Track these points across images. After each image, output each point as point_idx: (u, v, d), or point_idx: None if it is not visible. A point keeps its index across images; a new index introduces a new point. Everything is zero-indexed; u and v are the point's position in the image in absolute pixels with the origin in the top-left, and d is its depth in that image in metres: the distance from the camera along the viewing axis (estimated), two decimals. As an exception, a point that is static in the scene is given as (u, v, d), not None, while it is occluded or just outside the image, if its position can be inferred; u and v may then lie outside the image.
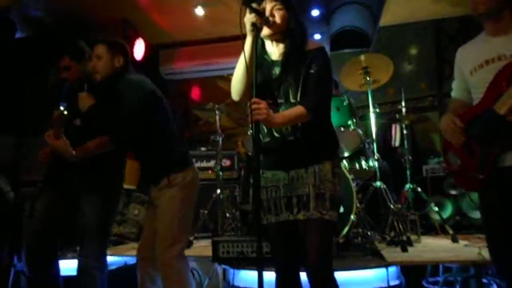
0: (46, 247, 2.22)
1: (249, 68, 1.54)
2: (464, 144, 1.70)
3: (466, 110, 1.75)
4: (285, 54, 1.66)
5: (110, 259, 3.13)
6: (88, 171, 2.21)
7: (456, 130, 1.70)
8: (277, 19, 1.61)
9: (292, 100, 1.61)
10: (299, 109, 1.55)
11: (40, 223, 2.24)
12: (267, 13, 1.61)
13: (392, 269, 2.57)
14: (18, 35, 4.37)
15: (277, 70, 1.66)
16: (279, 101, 1.63)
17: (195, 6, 4.42)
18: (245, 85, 1.60)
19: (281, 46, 1.68)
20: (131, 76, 2.21)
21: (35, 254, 2.22)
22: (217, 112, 3.75)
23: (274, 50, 1.69)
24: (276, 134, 1.64)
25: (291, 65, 1.63)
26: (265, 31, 1.62)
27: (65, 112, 2.03)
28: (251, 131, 1.76)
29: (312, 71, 1.58)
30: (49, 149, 2.20)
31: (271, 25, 1.59)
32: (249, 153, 3.62)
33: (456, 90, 1.90)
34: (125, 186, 4.67)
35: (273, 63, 1.69)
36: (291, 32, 1.63)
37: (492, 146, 1.61)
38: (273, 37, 1.66)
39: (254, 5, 1.54)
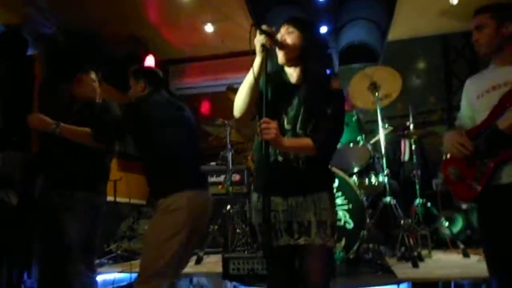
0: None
1: (254, 88, 1.57)
2: (465, 158, 1.77)
3: (470, 130, 1.81)
4: (301, 78, 1.67)
5: (119, 275, 3.16)
6: (67, 188, 2.26)
7: (465, 145, 1.74)
8: (288, 41, 1.62)
9: (298, 131, 1.62)
10: (308, 142, 1.57)
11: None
12: (280, 37, 1.63)
13: (403, 286, 2.55)
14: (30, 51, 4.46)
15: (291, 94, 1.68)
16: (286, 127, 1.64)
17: (205, 23, 4.50)
18: (248, 104, 1.61)
19: (298, 69, 1.69)
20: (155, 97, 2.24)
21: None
22: (227, 127, 3.78)
23: (292, 73, 1.71)
24: (279, 157, 1.64)
25: (308, 92, 1.62)
26: (281, 58, 1.65)
27: None
28: (253, 148, 1.77)
29: (329, 111, 1.60)
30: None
31: (281, 47, 1.61)
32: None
33: (460, 118, 2.00)
34: (135, 201, 4.74)
35: (290, 86, 1.70)
36: (305, 54, 1.63)
37: (491, 159, 1.67)
38: (290, 63, 1.67)
39: (264, 27, 1.55)
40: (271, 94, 1.66)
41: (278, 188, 1.62)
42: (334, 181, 1.84)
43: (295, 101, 1.66)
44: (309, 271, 1.58)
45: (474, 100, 1.84)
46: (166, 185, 2.05)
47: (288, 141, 1.57)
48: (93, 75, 2.54)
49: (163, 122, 2.10)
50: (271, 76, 1.70)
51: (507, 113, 1.65)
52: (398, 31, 4.63)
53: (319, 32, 1.81)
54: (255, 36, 1.57)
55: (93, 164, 2.36)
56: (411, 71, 5.31)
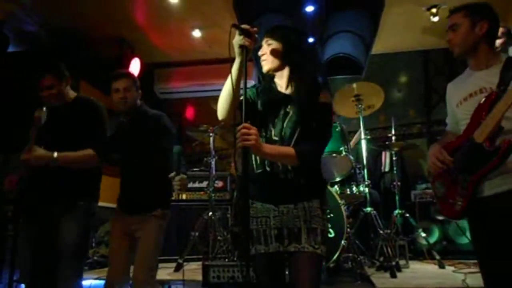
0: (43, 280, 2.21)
1: (234, 91, 1.55)
2: (449, 173, 1.77)
3: (451, 141, 1.82)
4: (288, 87, 1.67)
5: (96, 282, 3.09)
6: (63, 194, 2.20)
7: (443, 161, 1.76)
8: (265, 52, 1.65)
9: (286, 143, 1.62)
10: (290, 151, 1.55)
11: (30, 263, 2.24)
12: (261, 51, 1.67)
13: (382, 296, 2.59)
14: (11, 49, 4.35)
15: (279, 105, 1.67)
16: (274, 138, 1.63)
17: (193, 28, 4.50)
18: (229, 106, 1.59)
19: (284, 78, 1.68)
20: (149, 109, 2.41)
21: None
22: (211, 133, 3.77)
23: (281, 83, 1.70)
24: (267, 168, 1.64)
25: (295, 103, 1.62)
26: (264, 67, 1.67)
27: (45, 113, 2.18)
28: (236, 158, 1.70)
29: (314, 125, 1.60)
30: (14, 177, 2.25)
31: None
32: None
33: (448, 124, 2.01)
34: (113, 205, 4.64)
35: (279, 96, 1.69)
36: (288, 62, 1.64)
37: (472, 173, 1.67)
38: (275, 71, 1.68)
39: (244, 26, 1.55)
40: (262, 104, 1.67)
41: (269, 196, 1.65)
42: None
43: (282, 112, 1.65)
44: (299, 278, 1.56)
45: (455, 109, 1.86)
46: (169, 196, 2.36)
47: (268, 148, 1.55)
48: (51, 80, 2.31)
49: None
50: (263, 85, 1.73)
51: (482, 126, 1.64)
52: (381, 45, 4.75)
53: (303, 38, 1.75)
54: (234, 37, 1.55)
55: (91, 171, 2.31)
56: (393, 84, 5.44)
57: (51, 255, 2.17)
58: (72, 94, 2.41)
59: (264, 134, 1.66)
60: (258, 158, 1.65)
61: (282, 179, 1.62)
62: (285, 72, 1.67)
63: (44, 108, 2.23)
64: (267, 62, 1.66)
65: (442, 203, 1.85)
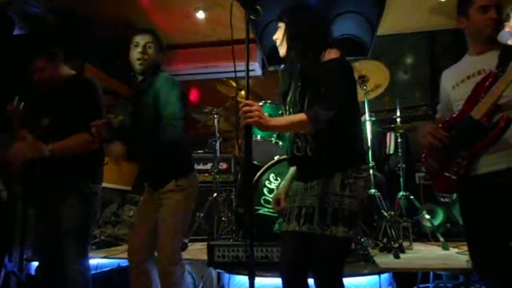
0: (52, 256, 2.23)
1: None
2: (442, 149, 1.79)
3: (445, 120, 1.84)
4: (300, 64, 1.63)
5: (103, 261, 3.15)
6: (64, 174, 2.19)
7: (439, 137, 1.77)
8: (279, 39, 1.66)
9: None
10: (300, 117, 1.48)
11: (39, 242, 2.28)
12: (274, 35, 1.68)
13: (385, 276, 2.61)
14: (16, 32, 4.34)
15: (293, 80, 1.65)
16: (289, 111, 1.64)
17: (196, 10, 4.45)
18: None
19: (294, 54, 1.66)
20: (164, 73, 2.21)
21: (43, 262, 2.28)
22: (215, 115, 3.77)
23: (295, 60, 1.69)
24: (294, 150, 1.66)
25: (302, 77, 1.60)
26: (280, 51, 1.69)
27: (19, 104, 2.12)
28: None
29: (322, 89, 1.51)
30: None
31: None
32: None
33: (440, 110, 2.03)
34: (120, 187, 4.71)
35: (295, 73, 1.66)
36: (292, 43, 1.63)
37: (467, 149, 1.70)
38: (288, 53, 1.67)
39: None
40: (281, 86, 1.71)
41: (299, 175, 1.70)
42: (355, 158, 1.60)
43: (293, 86, 1.64)
44: (314, 258, 1.57)
45: (450, 91, 1.88)
46: (180, 167, 2.15)
47: (275, 120, 1.51)
48: (43, 63, 2.26)
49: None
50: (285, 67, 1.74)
51: (480, 103, 1.67)
52: (387, 26, 4.67)
53: (308, 12, 1.68)
54: (239, 11, 1.52)
55: (93, 151, 2.31)
56: (398, 66, 5.37)
57: (55, 235, 2.18)
58: (67, 72, 2.35)
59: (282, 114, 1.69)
60: (287, 140, 1.69)
61: (302, 157, 1.60)
62: (292, 47, 1.65)
63: (16, 98, 2.20)
64: (281, 47, 1.67)
65: (435, 178, 1.88)
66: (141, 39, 2.12)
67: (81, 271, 2.19)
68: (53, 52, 2.31)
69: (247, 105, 1.42)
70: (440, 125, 1.82)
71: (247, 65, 1.51)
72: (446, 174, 1.77)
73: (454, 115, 1.82)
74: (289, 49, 1.66)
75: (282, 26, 1.67)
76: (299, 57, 1.61)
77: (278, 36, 1.69)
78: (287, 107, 1.67)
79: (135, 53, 2.12)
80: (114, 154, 2.11)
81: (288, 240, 1.66)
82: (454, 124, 1.78)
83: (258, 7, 1.54)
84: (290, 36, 1.64)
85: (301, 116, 1.48)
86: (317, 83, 1.53)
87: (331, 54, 1.54)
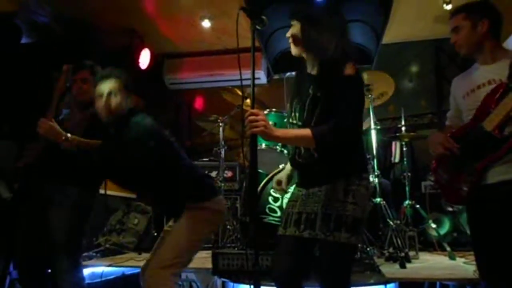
0: (35, 261, 2.23)
1: None
2: (452, 160, 1.78)
3: (456, 129, 1.84)
4: (317, 70, 1.62)
5: (108, 269, 3.15)
6: (60, 182, 2.21)
7: (449, 147, 1.75)
8: (293, 35, 1.62)
9: (306, 126, 1.56)
10: (305, 133, 1.48)
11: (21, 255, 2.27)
12: (287, 33, 1.65)
13: (391, 286, 2.59)
14: (24, 40, 4.40)
15: (306, 87, 1.62)
16: (298, 123, 1.61)
17: (202, 19, 4.49)
18: None
19: (310, 58, 1.64)
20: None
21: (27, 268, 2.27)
22: (220, 123, 3.78)
23: (308, 63, 1.67)
24: (296, 155, 1.66)
25: (316, 86, 1.57)
26: (293, 50, 1.65)
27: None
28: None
29: (334, 102, 1.49)
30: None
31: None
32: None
33: (449, 119, 2.02)
34: (125, 194, 4.72)
35: (308, 77, 1.66)
36: (308, 44, 1.59)
37: (478, 161, 1.68)
38: (299, 54, 1.66)
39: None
40: (293, 91, 1.70)
41: (300, 181, 1.70)
42: (357, 165, 1.60)
43: (305, 94, 1.61)
44: (319, 265, 1.56)
45: (460, 100, 1.87)
46: (198, 194, 2.04)
47: (281, 131, 1.51)
48: (87, 75, 2.34)
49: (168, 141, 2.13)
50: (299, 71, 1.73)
51: (492, 114, 1.66)
52: (392, 34, 4.68)
53: (323, 12, 1.63)
54: (245, 20, 1.53)
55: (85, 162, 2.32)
56: (403, 74, 5.37)
57: (43, 246, 2.19)
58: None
59: (290, 120, 1.66)
60: (290, 147, 1.70)
61: (305, 164, 1.60)
62: (310, 53, 1.63)
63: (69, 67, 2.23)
64: (293, 46, 1.64)
65: (445, 190, 1.87)
66: (103, 88, 1.98)
67: (75, 282, 2.18)
68: (94, 68, 2.36)
69: (252, 114, 1.43)
70: (449, 135, 1.81)
71: (253, 75, 1.53)
72: (457, 185, 1.76)
73: (464, 125, 1.81)
74: (304, 51, 1.63)
75: (296, 24, 1.62)
76: (317, 64, 1.60)
77: (293, 33, 1.63)
78: (294, 112, 1.65)
79: (98, 105, 1.99)
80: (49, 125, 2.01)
81: (284, 245, 1.64)
82: (464, 134, 1.77)
83: (263, 17, 1.54)
84: (307, 39, 1.58)
85: (307, 132, 1.47)
86: (331, 97, 1.50)
87: (349, 69, 1.51)
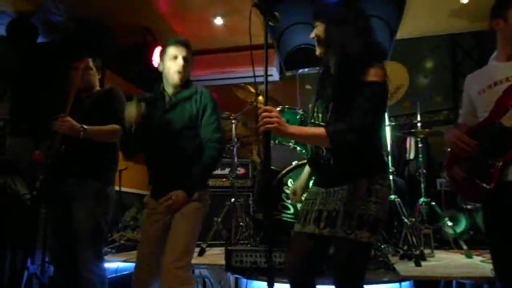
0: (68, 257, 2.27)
1: None
2: (469, 157, 1.76)
3: (473, 126, 1.81)
4: (337, 71, 1.59)
5: (123, 264, 3.19)
6: (79, 176, 2.25)
7: (467, 143, 1.73)
8: (317, 35, 1.60)
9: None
10: (320, 132, 1.47)
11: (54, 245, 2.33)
12: (311, 34, 1.64)
13: (405, 284, 2.56)
14: (40, 39, 4.47)
15: (326, 87, 1.63)
16: (322, 123, 1.59)
17: (214, 16, 4.49)
18: None
19: (333, 60, 1.62)
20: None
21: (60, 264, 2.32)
22: (233, 120, 3.78)
23: (332, 64, 1.65)
24: (314, 154, 1.65)
25: (338, 88, 1.54)
26: (318, 50, 1.64)
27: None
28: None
29: (353, 105, 1.46)
30: (41, 153, 2.31)
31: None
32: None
33: (462, 116, 1.98)
34: (139, 191, 4.77)
35: (330, 78, 1.64)
36: (333, 44, 1.57)
37: (498, 157, 1.65)
38: (323, 55, 1.64)
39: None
40: (316, 91, 1.69)
41: (319, 180, 1.67)
42: (379, 165, 1.59)
43: (324, 96, 1.62)
44: (335, 263, 1.55)
45: (476, 96, 1.83)
46: (207, 177, 2.18)
47: (294, 128, 1.51)
48: (90, 63, 2.43)
49: None
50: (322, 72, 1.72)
51: (510, 111, 1.64)
52: (407, 29, 4.61)
53: (352, 18, 1.56)
54: (256, 17, 1.52)
55: (106, 154, 2.37)
56: (418, 70, 5.30)
57: (69, 237, 2.23)
58: (97, 88, 2.51)
59: (312, 121, 1.65)
60: (308, 146, 1.69)
61: (325, 165, 1.58)
62: (333, 55, 1.61)
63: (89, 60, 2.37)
64: (318, 47, 1.63)
65: (463, 187, 1.84)
66: (179, 52, 2.10)
67: (98, 273, 2.22)
68: (96, 59, 2.46)
69: (266, 111, 1.43)
70: (465, 131, 1.78)
71: (266, 71, 1.52)
72: (477, 181, 1.73)
73: (481, 122, 1.78)
74: (328, 53, 1.61)
75: (320, 25, 1.60)
76: (342, 66, 1.55)
77: (317, 34, 1.61)
78: (316, 110, 1.65)
79: (174, 66, 2.09)
80: (129, 118, 2.04)
81: (301, 242, 1.63)
82: (482, 131, 1.74)
83: (276, 13, 1.54)
84: (331, 41, 1.57)
85: (321, 130, 1.47)
86: (354, 100, 1.47)
87: (374, 74, 1.48)
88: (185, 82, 2.14)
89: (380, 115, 1.57)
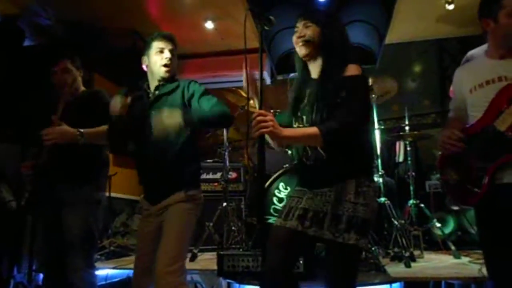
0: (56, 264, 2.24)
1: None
2: (462, 160, 1.75)
3: (465, 128, 1.79)
4: (321, 72, 1.62)
5: (113, 271, 3.15)
6: (69, 182, 2.21)
7: (456, 139, 1.73)
8: (307, 36, 1.60)
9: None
10: (313, 131, 1.47)
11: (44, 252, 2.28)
12: (298, 33, 1.63)
13: (396, 285, 2.59)
14: (27, 43, 4.41)
15: (311, 90, 1.63)
16: (306, 125, 1.59)
17: (205, 20, 4.50)
18: None
19: (318, 64, 1.64)
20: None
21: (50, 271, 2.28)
22: (224, 125, 3.78)
23: (313, 68, 1.66)
24: (303, 158, 1.63)
25: (319, 85, 1.57)
26: (301, 51, 1.63)
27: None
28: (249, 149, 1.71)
29: (339, 100, 1.50)
30: (30, 163, 2.27)
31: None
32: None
33: (453, 110, 1.96)
34: (129, 197, 4.72)
35: (310, 82, 1.65)
36: (325, 47, 1.59)
37: (490, 161, 1.64)
38: (310, 56, 1.64)
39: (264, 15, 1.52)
40: (295, 94, 1.67)
41: (305, 183, 1.65)
42: (367, 166, 1.63)
43: (311, 97, 1.61)
44: (327, 265, 1.54)
45: (467, 94, 1.81)
46: (196, 175, 2.07)
47: (288, 131, 1.51)
48: (68, 65, 2.35)
49: None
50: (298, 74, 1.70)
51: (504, 114, 1.62)
52: (395, 34, 4.70)
53: (339, 24, 1.67)
54: (250, 22, 1.52)
55: (97, 158, 2.34)
56: (407, 74, 5.39)
57: (60, 245, 2.19)
58: (82, 88, 2.44)
59: (297, 125, 1.64)
60: (295, 149, 1.66)
61: (312, 167, 1.58)
62: (320, 58, 1.62)
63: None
64: (305, 47, 1.61)
65: (456, 191, 1.83)
66: (165, 46, 2.05)
67: (89, 281, 2.18)
68: (75, 58, 2.38)
69: (261, 115, 1.42)
70: (458, 132, 1.77)
71: (261, 75, 1.51)
72: (467, 186, 1.73)
73: (472, 124, 1.77)
74: (314, 55, 1.63)
75: (313, 27, 1.61)
76: (329, 67, 1.58)
77: (304, 34, 1.62)
78: (300, 114, 1.64)
79: (160, 60, 2.03)
80: (114, 108, 2.01)
81: (281, 236, 1.58)
82: (473, 133, 1.73)
83: (271, 17, 1.54)
84: (327, 43, 1.59)
85: (314, 129, 1.47)
86: (338, 96, 1.51)
87: (354, 69, 1.54)
88: (171, 77, 2.08)
89: (366, 106, 1.59)
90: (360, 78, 1.55)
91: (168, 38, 2.07)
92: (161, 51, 2.04)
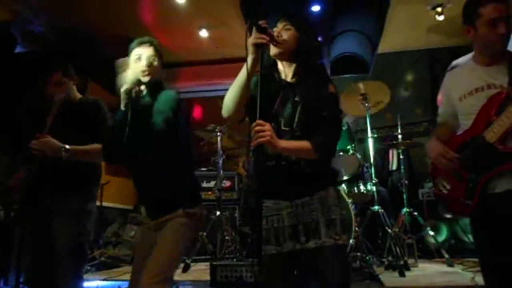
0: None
1: (245, 87, 1.53)
2: (453, 170, 1.74)
3: (454, 137, 1.79)
4: (297, 75, 1.63)
5: (103, 283, 3.09)
6: (58, 192, 2.18)
7: (450, 159, 1.73)
8: (285, 37, 1.59)
9: (297, 133, 1.55)
10: (307, 145, 1.51)
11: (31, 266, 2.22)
12: (276, 33, 1.60)
13: (390, 294, 2.59)
14: (18, 49, 4.38)
15: (286, 94, 1.62)
16: (284, 128, 1.58)
17: (200, 28, 4.51)
18: (237, 104, 1.58)
19: (293, 66, 1.65)
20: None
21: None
22: (218, 133, 3.77)
23: (286, 71, 1.66)
24: (282, 162, 1.57)
25: (306, 92, 1.58)
26: (273, 50, 1.60)
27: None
28: (252, 154, 1.66)
29: (325, 113, 1.56)
30: (19, 175, 2.25)
31: (277, 43, 1.57)
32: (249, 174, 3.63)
33: (442, 115, 1.94)
34: (121, 206, 4.67)
35: (284, 84, 1.65)
36: (301, 52, 1.61)
37: (481, 172, 1.64)
38: (282, 57, 1.63)
39: (261, 22, 1.50)
40: (265, 94, 1.56)
41: (283, 191, 1.59)
42: (337, 175, 1.82)
43: (290, 101, 1.60)
44: (328, 275, 1.51)
45: (456, 101, 1.80)
46: (195, 192, 2.01)
47: (284, 142, 1.51)
48: (60, 77, 2.32)
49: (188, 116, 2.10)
50: (264, 73, 1.63)
51: (493, 124, 1.62)
52: (387, 44, 4.76)
53: (314, 31, 1.77)
54: (242, 29, 1.57)
55: (88, 168, 2.31)
56: (399, 83, 5.45)
57: (48, 256, 2.14)
58: (77, 95, 2.40)
59: (272, 125, 1.58)
60: (269, 151, 1.56)
61: (296, 170, 1.56)
62: (294, 60, 1.63)
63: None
64: (278, 47, 1.59)
65: (449, 201, 1.83)
66: (143, 52, 1.97)
67: None
68: (68, 68, 2.35)
69: (259, 124, 1.42)
70: (448, 143, 1.77)
71: (259, 84, 1.49)
72: (461, 199, 1.73)
73: (461, 133, 1.77)
74: (290, 56, 1.63)
75: (291, 29, 1.60)
76: (307, 75, 1.62)
77: (281, 34, 1.59)
78: (282, 121, 1.59)
79: (138, 67, 1.94)
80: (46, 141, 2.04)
81: (280, 265, 1.56)
82: (464, 143, 1.73)
83: (272, 30, 1.55)
84: (302, 47, 1.61)
85: (306, 144, 1.51)
86: (324, 110, 1.57)
87: (334, 88, 1.63)
88: (157, 83, 1.97)
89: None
90: (338, 98, 1.67)
91: (146, 44, 2.01)
92: (139, 58, 1.97)
